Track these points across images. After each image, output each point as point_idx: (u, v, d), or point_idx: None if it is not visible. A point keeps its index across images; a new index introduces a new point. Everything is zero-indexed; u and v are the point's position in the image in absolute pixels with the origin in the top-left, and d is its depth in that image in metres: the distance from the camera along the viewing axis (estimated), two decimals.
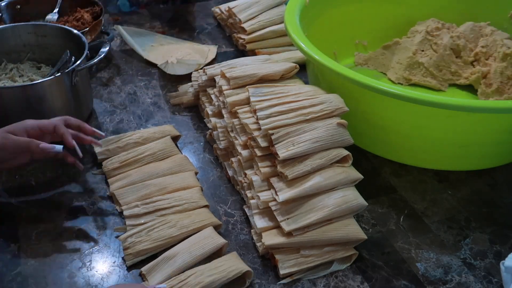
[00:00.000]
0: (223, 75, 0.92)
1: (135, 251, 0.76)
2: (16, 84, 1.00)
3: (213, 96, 0.95)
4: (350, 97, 0.86)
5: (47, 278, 0.74)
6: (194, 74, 1.04)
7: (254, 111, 0.82)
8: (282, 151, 0.77)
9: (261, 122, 0.80)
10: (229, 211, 0.86)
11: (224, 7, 1.33)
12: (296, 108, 0.82)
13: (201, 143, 0.99)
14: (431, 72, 1.13)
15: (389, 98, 0.81)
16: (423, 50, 1.14)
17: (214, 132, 0.93)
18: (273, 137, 0.78)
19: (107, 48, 1.03)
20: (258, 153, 0.80)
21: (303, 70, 1.02)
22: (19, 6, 1.22)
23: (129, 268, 0.76)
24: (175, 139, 0.97)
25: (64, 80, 0.93)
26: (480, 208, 0.88)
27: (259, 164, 0.80)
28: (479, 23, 1.16)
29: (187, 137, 1.01)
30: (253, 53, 1.21)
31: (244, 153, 0.83)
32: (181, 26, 1.37)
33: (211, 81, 0.98)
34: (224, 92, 0.89)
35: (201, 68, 1.01)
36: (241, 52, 1.26)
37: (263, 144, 0.79)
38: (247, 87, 0.87)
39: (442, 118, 0.83)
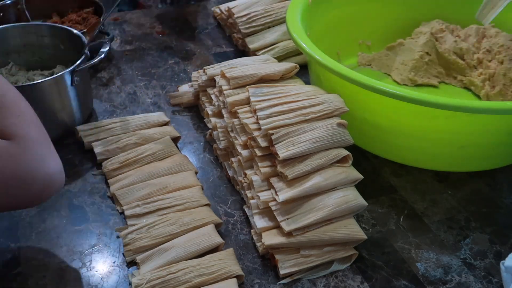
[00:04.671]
0: (223, 75, 0.92)
1: (135, 248, 0.76)
2: (16, 84, 1.00)
3: (213, 96, 0.95)
4: (351, 97, 0.86)
5: (47, 278, 0.74)
6: (194, 74, 1.04)
7: (254, 111, 0.82)
8: (282, 151, 0.77)
9: (261, 122, 0.80)
10: (229, 211, 0.86)
11: (224, 7, 1.33)
12: (296, 108, 0.82)
13: (201, 143, 0.99)
14: (436, 74, 1.13)
15: (389, 99, 0.81)
16: (427, 52, 1.13)
17: (214, 132, 0.93)
18: (273, 137, 0.78)
19: (107, 48, 1.03)
20: (258, 153, 0.80)
21: (303, 70, 1.02)
22: (19, 6, 1.22)
23: (129, 265, 0.76)
24: (175, 140, 0.96)
25: (64, 80, 0.93)
26: (480, 208, 0.88)
27: (259, 164, 0.80)
28: (484, 25, 1.16)
29: (187, 137, 1.01)
30: (253, 53, 1.21)
31: (244, 153, 0.83)
32: (181, 26, 1.37)
33: (211, 81, 0.98)
34: (224, 92, 0.89)
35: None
36: (241, 52, 1.26)
37: (263, 144, 0.79)
38: (247, 87, 0.87)
39: (441, 118, 0.83)
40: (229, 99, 0.87)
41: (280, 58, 1.18)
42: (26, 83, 0.98)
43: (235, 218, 0.84)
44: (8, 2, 1.20)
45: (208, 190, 0.89)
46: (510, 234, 0.83)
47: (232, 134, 0.87)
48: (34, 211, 0.84)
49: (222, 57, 1.24)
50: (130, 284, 0.73)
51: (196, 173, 0.90)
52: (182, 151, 0.97)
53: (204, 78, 0.98)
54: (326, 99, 0.84)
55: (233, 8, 1.27)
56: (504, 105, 0.81)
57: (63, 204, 0.85)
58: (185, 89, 1.08)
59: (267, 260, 0.78)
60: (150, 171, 0.88)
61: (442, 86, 1.15)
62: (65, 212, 0.84)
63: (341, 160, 0.80)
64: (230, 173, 0.90)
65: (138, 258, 0.75)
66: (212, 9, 1.41)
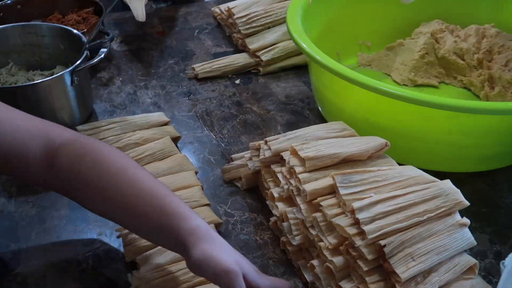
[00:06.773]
0: (294, 153, 0.75)
1: (135, 248, 0.76)
2: (16, 84, 1.00)
3: (279, 176, 0.77)
4: (350, 98, 0.86)
5: (47, 278, 0.74)
6: (251, 145, 0.86)
7: (344, 204, 0.66)
8: (402, 270, 0.60)
9: (365, 228, 0.62)
10: (229, 211, 0.86)
11: (224, 7, 1.33)
12: (405, 207, 0.65)
13: (201, 143, 0.99)
14: (436, 74, 1.14)
15: (389, 99, 0.81)
16: (427, 52, 1.13)
17: (284, 224, 0.75)
18: (385, 249, 0.61)
19: (107, 48, 1.03)
20: (364, 267, 0.62)
21: (303, 70, 1.02)
22: (19, 6, 1.22)
23: (129, 265, 0.76)
24: (175, 140, 0.96)
25: (64, 80, 0.93)
26: (480, 208, 0.87)
27: (366, 278, 0.62)
28: (484, 25, 1.16)
29: (187, 137, 1.01)
30: (253, 54, 1.21)
31: (337, 260, 0.65)
32: (181, 26, 1.37)
33: (276, 157, 0.80)
34: (299, 175, 0.72)
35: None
36: (241, 52, 1.25)
37: (369, 256, 0.62)
38: (331, 174, 0.69)
39: (441, 119, 0.83)
40: (307, 187, 0.69)
41: (281, 58, 1.18)
42: (26, 83, 0.98)
43: (235, 218, 0.84)
44: (8, 2, 1.20)
45: (208, 190, 0.89)
46: (510, 234, 0.83)
47: (313, 232, 0.69)
48: (34, 211, 0.84)
49: (222, 56, 1.23)
50: (130, 284, 0.73)
51: (196, 173, 0.90)
52: (182, 151, 0.97)
53: (268, 154, 0.80)
54: (441, 191, 0.68)
55: (233, 8, 1.27)
56: (504, 105, 0.81)
57: (63, 204, 0.85)
58: (240, 162, 0.90)
59: (267, 260, 0.78)
60: (150, 171, 0.88)
61: (442, 86, 1.15)
62: (65, 212, 0.84)
63: (467, 271, 0.67)
64: (307, 277, 0.72)
65: (138, 258, 0.75)
66: (212, 9, 1.41)
